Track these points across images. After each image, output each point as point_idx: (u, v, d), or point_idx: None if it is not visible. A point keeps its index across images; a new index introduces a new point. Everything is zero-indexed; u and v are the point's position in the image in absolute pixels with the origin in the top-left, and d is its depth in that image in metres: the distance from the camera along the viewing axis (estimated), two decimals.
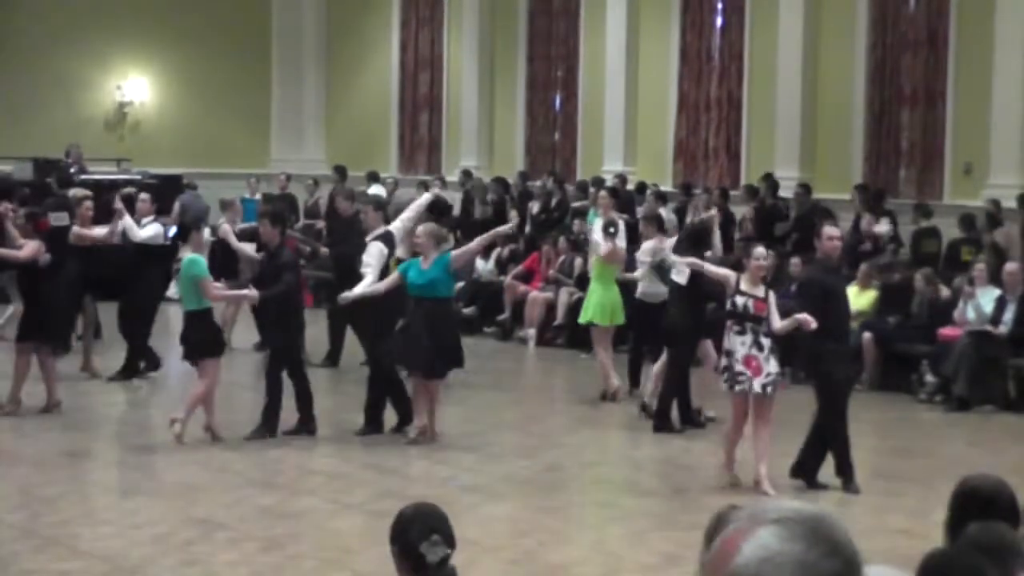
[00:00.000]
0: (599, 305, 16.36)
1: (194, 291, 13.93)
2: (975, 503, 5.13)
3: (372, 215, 15.06)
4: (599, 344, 16.67)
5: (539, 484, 12.74)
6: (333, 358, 18.52)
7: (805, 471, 12.61)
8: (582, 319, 16.81)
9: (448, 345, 13.87)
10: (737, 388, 12.38)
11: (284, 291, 13.99)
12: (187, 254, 14.17)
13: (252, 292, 14.38)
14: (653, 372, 15.51)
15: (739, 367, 12.32)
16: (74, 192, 18.12)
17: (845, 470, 12.52)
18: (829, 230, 12.75)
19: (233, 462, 13.29)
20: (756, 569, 2.13)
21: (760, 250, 12.97)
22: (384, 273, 14.36)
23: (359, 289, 14.13)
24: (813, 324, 12.04)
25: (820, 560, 2.14)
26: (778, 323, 12.33)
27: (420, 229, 14.32)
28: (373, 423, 14.51)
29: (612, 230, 16.36)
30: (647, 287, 15.89)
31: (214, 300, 14.36)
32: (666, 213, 20.98)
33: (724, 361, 12.52)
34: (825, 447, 12.54)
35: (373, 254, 14.48)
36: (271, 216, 14.59)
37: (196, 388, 13.97)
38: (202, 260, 14.14)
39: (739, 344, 12.37)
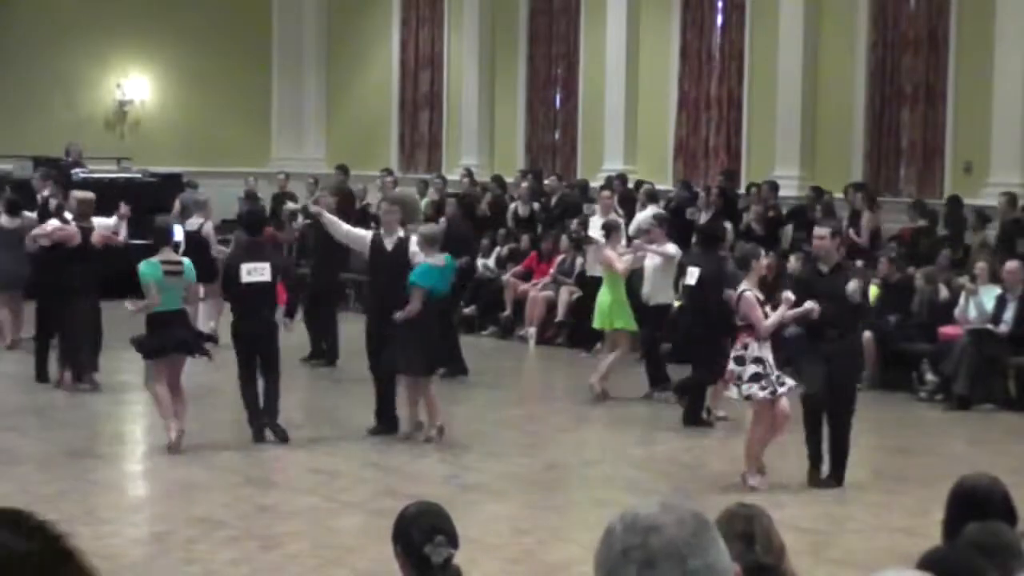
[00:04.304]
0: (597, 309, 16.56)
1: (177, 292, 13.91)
2: (971, 503, 5.14)
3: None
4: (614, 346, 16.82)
5: (539, 482, 12.75)
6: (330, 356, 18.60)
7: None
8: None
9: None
10: (781, 391, 12.47)
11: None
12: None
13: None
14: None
15: (776, 372, 12.44)
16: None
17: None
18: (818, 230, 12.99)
19: (233, 461, 13.29)
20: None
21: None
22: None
23: None
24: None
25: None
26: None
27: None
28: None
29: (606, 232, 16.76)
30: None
31: (193, 303, 14.54)
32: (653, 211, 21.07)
33: (754, 368, 12.49)
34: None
35: None
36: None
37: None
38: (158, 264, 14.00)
39: (769, 351, 12.49)
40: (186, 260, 14.13)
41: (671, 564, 2.61)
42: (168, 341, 13.64)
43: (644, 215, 20.31)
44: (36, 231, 17.09)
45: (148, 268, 13.71)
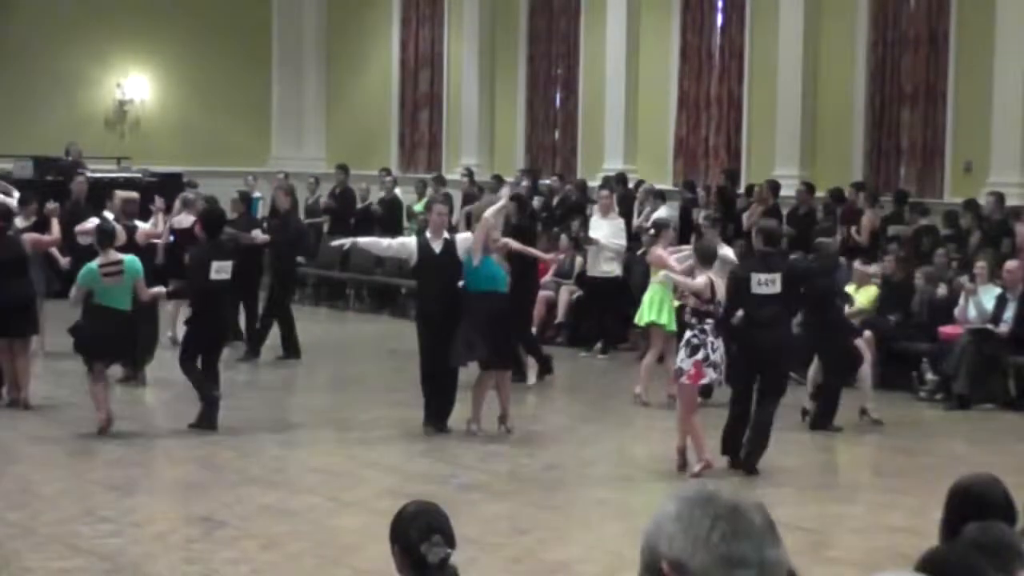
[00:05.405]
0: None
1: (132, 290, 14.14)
2: (969, 503, 5.13)
3: None
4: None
5: (539, 482, 12.75)
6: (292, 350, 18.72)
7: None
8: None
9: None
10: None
11: (185, 290, 14.63)
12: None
13: (160, 290, 14.82)
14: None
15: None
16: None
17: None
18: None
19: (233, 460, 13.29)
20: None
21: None
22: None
23: None
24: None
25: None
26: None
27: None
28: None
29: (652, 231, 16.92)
30: None
31: (145, 299, 14.53)
32: (667, 211, 21.03)
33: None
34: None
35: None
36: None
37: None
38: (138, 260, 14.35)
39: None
40: (127, 257, 14.11)
41: (752, 545, 2.56)
42: (105, 347, 14.08)
43: (660, 214, 20.25)
44: (77, 227, 17.15)
45: (86, 274, 14.04)
